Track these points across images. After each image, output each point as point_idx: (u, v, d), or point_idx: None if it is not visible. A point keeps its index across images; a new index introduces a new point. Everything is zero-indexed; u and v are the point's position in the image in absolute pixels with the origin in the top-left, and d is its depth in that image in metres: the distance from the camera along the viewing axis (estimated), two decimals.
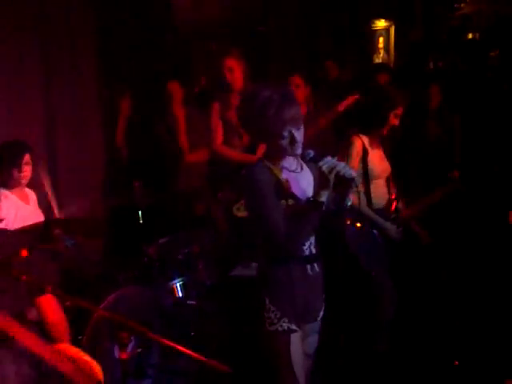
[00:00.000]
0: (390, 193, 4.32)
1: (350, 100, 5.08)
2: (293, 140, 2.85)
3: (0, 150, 4.22)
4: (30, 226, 3.93)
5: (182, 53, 7.47)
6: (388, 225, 4.23)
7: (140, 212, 4.65)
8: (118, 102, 6.17)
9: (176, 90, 5.66)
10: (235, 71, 4.84)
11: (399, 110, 4.22)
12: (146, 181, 5.27)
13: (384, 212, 4.25)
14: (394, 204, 4.31)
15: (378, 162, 4.24)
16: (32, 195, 4.40)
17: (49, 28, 5.27)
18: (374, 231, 4.23)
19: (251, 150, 4.70)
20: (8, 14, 4.96)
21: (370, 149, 4.21)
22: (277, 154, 2.94)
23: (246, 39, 7.31)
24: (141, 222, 4.64)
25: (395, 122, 4.22)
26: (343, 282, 4.05)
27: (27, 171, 4.25)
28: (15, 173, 4.20)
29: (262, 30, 8.36)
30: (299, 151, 2.87)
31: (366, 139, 4.21)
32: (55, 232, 3.96)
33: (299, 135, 2.87)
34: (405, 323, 4.59)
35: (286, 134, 2.84)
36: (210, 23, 7.82)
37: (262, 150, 3.58)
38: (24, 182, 4.27)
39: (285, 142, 2.85)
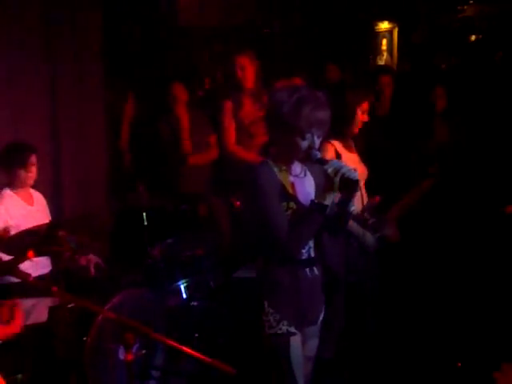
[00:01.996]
0: (367, 197, 4.18)
1: None
2: (312, 145, 2.87)
3: (7, 150, 4.28)
4: (35, 227, 3.95)
5: (186, 55, 7.48)
6: (364, 232, 4.06)
7: (144, 214, 4.66)
8: (122, 103, 6.18)
9: (180, 92, 5.66)
10: (247, 70, 4.87)
11: (365, 105, 4.11)
12: (150, 183, 5.28)
13: (360, 218, 4.07)
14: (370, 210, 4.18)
15: (353, 165, 4.14)
16: (37, 196, 4.43)
17: (54, 30, 5.28)
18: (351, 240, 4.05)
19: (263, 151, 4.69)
20: (13, 17, 4.98)
21: (343, 153, 4.07)
22: (288, 155, 2.94)
23: (250, 42, 7.31)
24: (145, 223, 4.65)
25: (363, 117, 4.11)
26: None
27: (33, 172, 4.29)
28: (22, 173, 4.24)
29: (267, 32, 8.38)
30: (312, 158, 2.87)
31: (337, 144, 4.07)
32: (60, 233, 3.98)
33: (318, 143, 2.89)
34: (405, 326, 4.61)
35: (309, 136, 2.85)
36: (215, 26, 7.84)
37: None
38: (30, 182, 4.32)
39: (304, 144, 2.86)
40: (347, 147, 4.13)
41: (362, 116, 4.10)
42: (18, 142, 4.36)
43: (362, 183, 4.15)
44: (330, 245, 4.01)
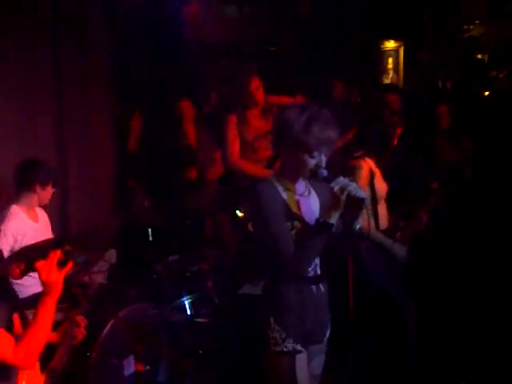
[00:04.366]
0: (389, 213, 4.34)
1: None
2: (319, 163, 2.88)
3: (29, 166, 4.22)
4: (41, 242, 3.94)
5: (193, 72, 7.51)
6: (396, 246, 4.25)
7: (150, 229, 4.66)
8: (130, 118, 6.21)
9: (187, 108, 5.69)
10: (260, 88, 4.95)
11: (399, 131, 4.34)
12: (155, 198, 5.29)
13: (389, 233, 4.26)
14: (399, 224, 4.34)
15: (381, 183, 4.26)
16: (41, 213, 4.39)
17: (61, 45, 5.31)
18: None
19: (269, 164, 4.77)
20: (21, 32, 5.01)
21: (376, 171, 4.21)
22: (294, 173, 2.95)
23: (256, 59, 7.35)
24: (150, 239, 4.66)
25: (395, 142, 4.37)
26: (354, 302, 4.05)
27: (50, 192, 4.26)
28: (42, 192, 4.19)
29: (272, 50, 8.42)
30: (318, 176, 2.88)
31: (371, 162, 4.21)
32: (66, 249, 3.96)
33: (324, 161, 2.90)
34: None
35: (317, 154, 2.86)
36: (222, 43, 7.88)
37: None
38: (46, 202, 4.28)
39: (312, 162, 2.87)
40: (376, 165, 4.26)
41: (395, 141, 4.37)
42: (39, 160, 4.28)
43: (384, 200, 4.29)
44: (370, 262, 4.09)
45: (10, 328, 2.69)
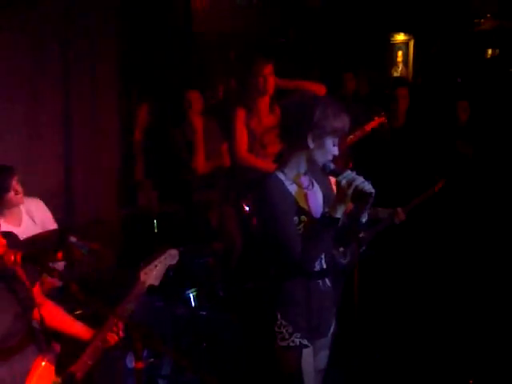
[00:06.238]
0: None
1: (377, 121, 5.06)
2: (335, 152, 2.83)
3: None
4: (45, 232, 3.92)
5: (201, 62, 7.49)
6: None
7: (155, 221, 4.65)
8: (136, 110, 6.18)
9: (195, 99, 5.65)
10: (273, 75, 4.90)
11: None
12: (161, 190, 5.27)
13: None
14: None
15: None
16: (29, 211, 4.13)
17: (69, 36, 5.29)
18: None
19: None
20: (28, 20, 4.98)
21: None
22: (301, 165, 2.90)
23: (266, 50, 7.31)
24: (156, 231, 4.64)
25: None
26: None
27: (21, 191, 3.92)
28: (11, 196, 3.88)
29: (282, 41, 8.39)
30: (325, 169, 2.83)
31: None
32: (70, 239, 3.95)
33: (337, 151, 2.85)
34: (418, 342, 4.55)
35: (336, 141, 2.82)
36: (230, 34, 7.85)
37: None
38: (21, 202, 3.96)
39: (334, 150, 2.83)
40: None
41: None
42: None
43: None
44: None
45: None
